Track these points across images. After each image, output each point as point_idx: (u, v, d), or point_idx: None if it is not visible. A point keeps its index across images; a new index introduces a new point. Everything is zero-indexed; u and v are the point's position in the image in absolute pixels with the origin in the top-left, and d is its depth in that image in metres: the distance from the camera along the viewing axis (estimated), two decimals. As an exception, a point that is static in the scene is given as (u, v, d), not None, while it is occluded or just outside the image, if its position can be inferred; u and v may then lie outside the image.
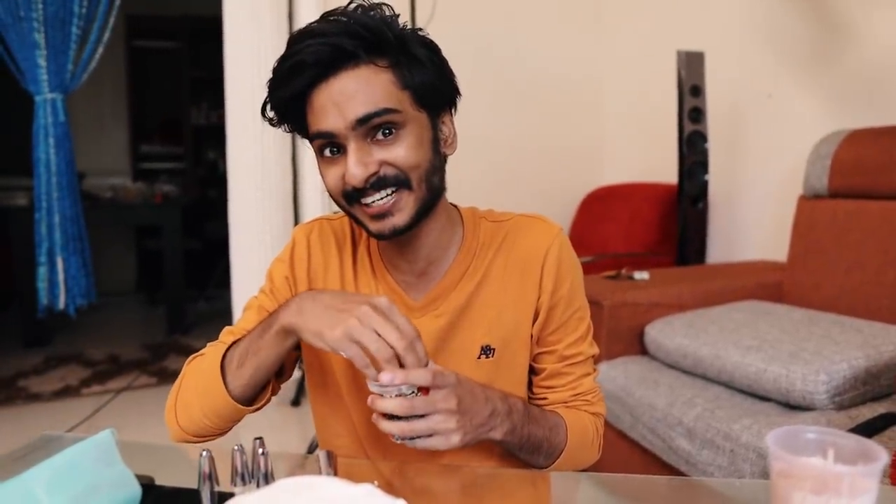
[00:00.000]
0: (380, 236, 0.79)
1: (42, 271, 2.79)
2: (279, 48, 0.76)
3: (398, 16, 0.77)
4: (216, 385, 0.77)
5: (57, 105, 2.75)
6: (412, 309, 0.85)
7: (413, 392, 0.69)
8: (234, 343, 0.79)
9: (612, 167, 3.23)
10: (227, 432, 0.82)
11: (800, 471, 0.48)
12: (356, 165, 0.74)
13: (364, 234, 0.89)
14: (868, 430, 1.19)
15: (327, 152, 0.77)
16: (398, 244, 0.83)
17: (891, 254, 1.67)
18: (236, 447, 0.62)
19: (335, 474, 0.62)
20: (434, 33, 0.82)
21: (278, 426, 2.42)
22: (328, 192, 0.80)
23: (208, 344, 0.86)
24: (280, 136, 2.53)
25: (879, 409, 1.31)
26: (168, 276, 3.84)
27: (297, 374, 2.56)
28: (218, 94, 2.81)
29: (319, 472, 0.61)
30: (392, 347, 0.67)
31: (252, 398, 0.80)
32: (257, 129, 2.47)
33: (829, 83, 2.17)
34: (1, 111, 3.97)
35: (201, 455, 0.60)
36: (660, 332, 1.70)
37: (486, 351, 0.86)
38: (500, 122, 3.01)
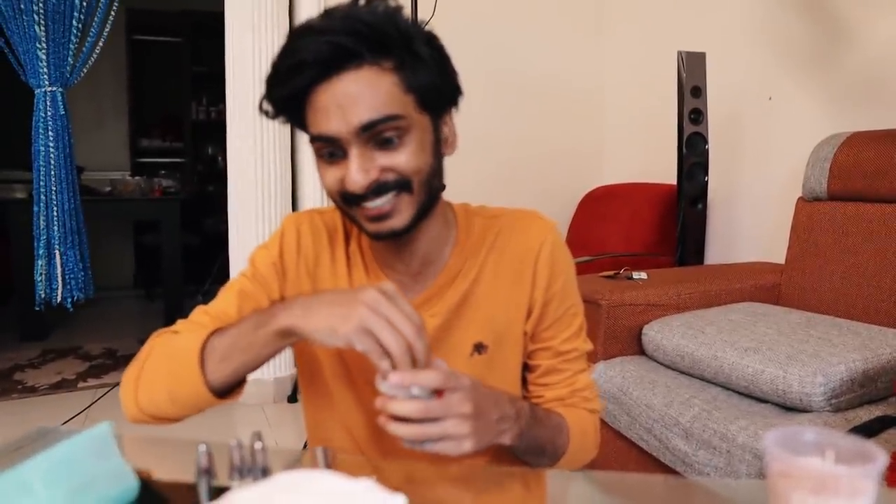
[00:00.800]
0: (377, 237, 0.78)
1: (40, 265, 2.79)
2: (280, 44, 0.74)
3: (402, 8, 0.74)
4: (192, 374, 0.72)
5: (57, 98, 2.75)
6: None
7: (425, 394, 0.66)
8: (215, 331, 0.74)
9: (611, 167, 3.23)
10: (182, 420, 0.78)
11: (799, 471, 0.48)
12: (358, 172, 0.72)
13: (356, 230, 0.87)
14: (865, 432, 1.19)
15: (327, 155, 0.75)
16: (394, 244, 0.82)
17: (889, 257, 1.67)
18: (234, 442, 0.62)
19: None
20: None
21: (275, 422, 2.43)
22: (326, 191, 0.78)
23: (179, 321, 0.83)
24: (279, 133, 2.53)
25: (876, 411, 1.31)
26: (166, 270, 3.84)
27: (293, 370, 2.56)
28: (218, 90, 2.81)
29: (317, 468, 0.61)
30: (402, 336, 0.64)
31: (228, 391, 0.76)
32: (257, 126, 2.48)
33: (829, 86, 2.17)
34: (0, 104, 3.96)
35: (199, 449, 0.60)
36: (658, 333, 1.70)
37: (479, 348, 0.85)
38: (501, 121, 3.01)
